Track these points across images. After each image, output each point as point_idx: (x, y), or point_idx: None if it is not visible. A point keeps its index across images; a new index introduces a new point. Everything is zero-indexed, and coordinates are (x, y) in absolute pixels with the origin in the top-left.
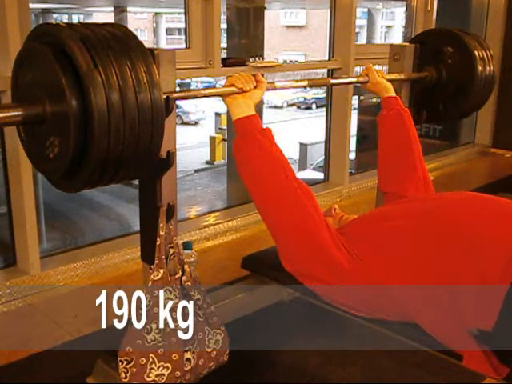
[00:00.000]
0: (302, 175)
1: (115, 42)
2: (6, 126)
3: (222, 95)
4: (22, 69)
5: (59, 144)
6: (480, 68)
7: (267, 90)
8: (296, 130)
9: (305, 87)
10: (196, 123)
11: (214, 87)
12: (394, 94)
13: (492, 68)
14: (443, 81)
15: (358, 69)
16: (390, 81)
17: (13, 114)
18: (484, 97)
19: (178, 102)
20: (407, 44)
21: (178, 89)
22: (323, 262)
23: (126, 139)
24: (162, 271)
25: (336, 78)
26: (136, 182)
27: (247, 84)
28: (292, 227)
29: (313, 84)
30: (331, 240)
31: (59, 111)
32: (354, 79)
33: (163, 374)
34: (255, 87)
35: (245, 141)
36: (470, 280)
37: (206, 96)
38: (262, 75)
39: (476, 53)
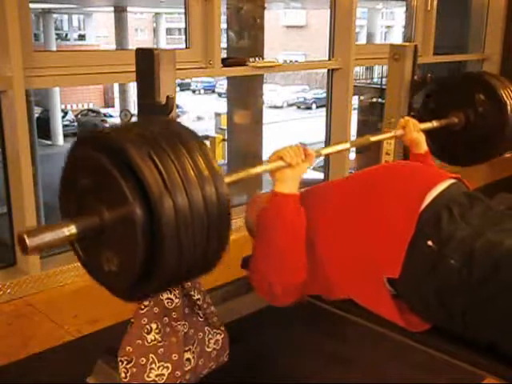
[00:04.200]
0: None
1: (171, 138)
2: (61, 245)
3: (272, 172)
4: (72, 179)
5: (123, 255)
6: (510, 113)
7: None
8: (296, 130)
9: (348, 149)
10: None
11: (264, 164)
12: (424, 150)
13: None
14: (470, 126)
15: (358, 69)
16: (423, 130)
17: (66, 231)
18: (509, 145)
19: (177, 102)
20: (407, 44)
21: (178, 89)
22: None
23: (197, 241)
24: None
25: (375, 136)
26: None
27: (296, 158)
28: (282, 287)
29: (355, 145)
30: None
31: (122, 219)
32: (391, 134)
33: (163, 374)
34: (303, 161)
35: (275, 216)
36: (381, 237)
37: (257, 175)
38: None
39: (508, 103)
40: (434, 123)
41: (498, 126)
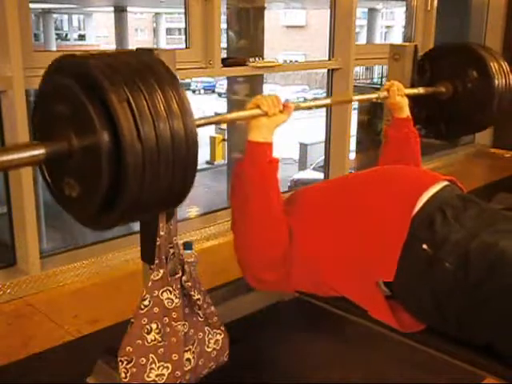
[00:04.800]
0: (301, 175)
1: (144, 72)
2: (29, 166)
3: (248, 119)
4: (45, 103)
5: (88, 181)
6: (498, 90)
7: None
8: (296, 130)
9: (329, 106)
10: None
11: (239, 111)
12: (406, 115)
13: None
14: (457, 97)
15: (358, 69)
16: (409, 95)
17: (35, 152)
18: (495, 120)
19: None
20: (407, 44)
21: None
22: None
23: (161, 174)
24: (161, 271)
25: (358, 95)
26: None
27: (273, 107)
28: (258, 252)
29: (337, 102)
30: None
31: (89, 146)
32: (375, 95)
33: (163, 374)
34: (281, 111)
35: (250, 165)
36: (374, 240)
37: (231, 121)
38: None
39: (496, 75)
40: (420, 90)
41: (484, 100)
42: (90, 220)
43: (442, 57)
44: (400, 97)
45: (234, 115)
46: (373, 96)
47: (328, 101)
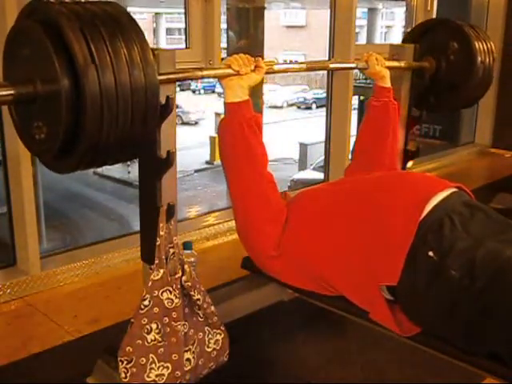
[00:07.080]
0: (301, 175)
1: (108, 20)
2: None
3: (218, 77)
4: (13, 47)
5: (50, 124)
6: (479, 63)
7: (266, 73)
8: (296, 130)
9: (304, 71)
10: (196, 123)
11: (211, 68)
12: (388, 85)
13: (491, 61)
14: (441, 72)
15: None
16: (391, 68)
17: (3, 93)
18: (479, 94)
19: (177, 102)
20: (407, 44)
21: (178, 89)
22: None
23: (120, 120)
24: (161, 271)
25: (335, 63)
26: (136, 182)
27: (244, 67)
28: (249, 209)
29: (311, 68)
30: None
31: (51, 91)
32: (353, 65)
33: (163, 374)
34: (253, 71)
35: (230, 126)
36: (379, 244)
37: (202, 77)
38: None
39: (477, 47)
40: (402, 63)
41: (467, 74)
42: (55, 161)
43: (425, 33)
44: (380, 67)
45: (205, 72)
46: (351, 65)
47: (303, 66)
